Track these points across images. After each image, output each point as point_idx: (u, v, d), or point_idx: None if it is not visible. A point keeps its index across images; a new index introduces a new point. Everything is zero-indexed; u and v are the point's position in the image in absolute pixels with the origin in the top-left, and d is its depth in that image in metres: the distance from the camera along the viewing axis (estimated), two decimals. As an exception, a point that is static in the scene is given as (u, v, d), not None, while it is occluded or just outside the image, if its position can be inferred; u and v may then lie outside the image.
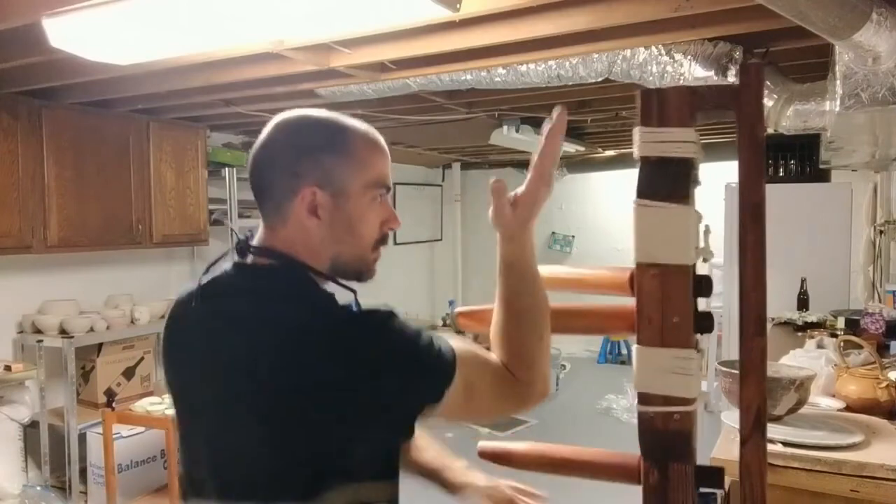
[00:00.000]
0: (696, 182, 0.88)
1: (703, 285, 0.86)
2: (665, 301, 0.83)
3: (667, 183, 0.84)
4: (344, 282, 1.03)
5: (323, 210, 1.00)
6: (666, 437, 0.84)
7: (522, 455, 1.03)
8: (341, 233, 1.02)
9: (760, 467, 0.82)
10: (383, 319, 0.94)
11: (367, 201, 1.02)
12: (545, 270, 1.06)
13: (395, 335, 0.94)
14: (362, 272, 1.05)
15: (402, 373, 0.92)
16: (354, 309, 0.95)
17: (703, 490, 0.88)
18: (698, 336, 0.89)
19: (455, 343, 0.98)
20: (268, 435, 0.93)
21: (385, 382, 0.91)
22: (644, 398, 0.84)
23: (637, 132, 0.86)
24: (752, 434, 0.82)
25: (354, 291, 1.00)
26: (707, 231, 0.89)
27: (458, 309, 1.07)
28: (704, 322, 0.86)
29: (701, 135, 0.90)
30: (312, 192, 1.00)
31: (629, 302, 0.89)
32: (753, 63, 0.76)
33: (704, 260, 0.89)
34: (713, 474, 0.88)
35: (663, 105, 0.85)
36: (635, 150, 0.87)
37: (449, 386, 0.93)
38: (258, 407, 0.93)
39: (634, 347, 0.85)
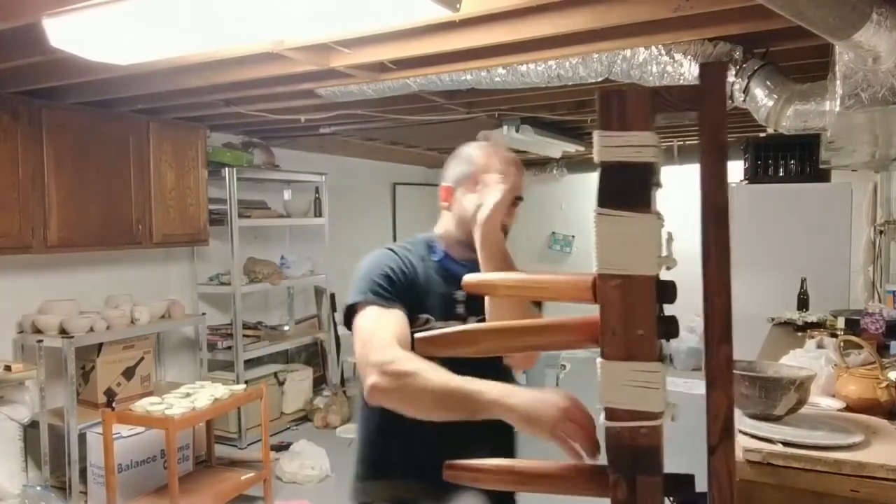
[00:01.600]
0: (657, 186, 0.86)
1: (668, 291, 0.84)
2: (628, 313, 0.81)
3: (627, 190, 0.81)
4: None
5: (451, 200, 1.53)
6: (634, 451, 0.83)
7: (493, 471, 1.01)
8: (458, 217, 1.51)
9: (730, 475, 0.81)
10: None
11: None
12: (501, 278, 1.07)
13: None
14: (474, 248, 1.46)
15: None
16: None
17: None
18: (663, 343, 0.87)
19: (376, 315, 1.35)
20: None
21: None
22: (610, 413, 0.83)
23: (596, 136, 0.84)
24: (722, 442, 0.81)
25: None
26: (670, 238, 0.87)
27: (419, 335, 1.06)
28: (670, 327, 0.85)
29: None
30: (445, 189, 1.53)
31: (593, 311, 0.87)
32: (715, 63, 0.74)
33: (668, 268, 0.87)
34: (683, 482, 0.87)
35: (623, 107, 0.82)
36: (595, 156, 0.85)
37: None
38: None
39: (598, 361, 0.84)
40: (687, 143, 5.49)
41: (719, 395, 0.81)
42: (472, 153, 1.52)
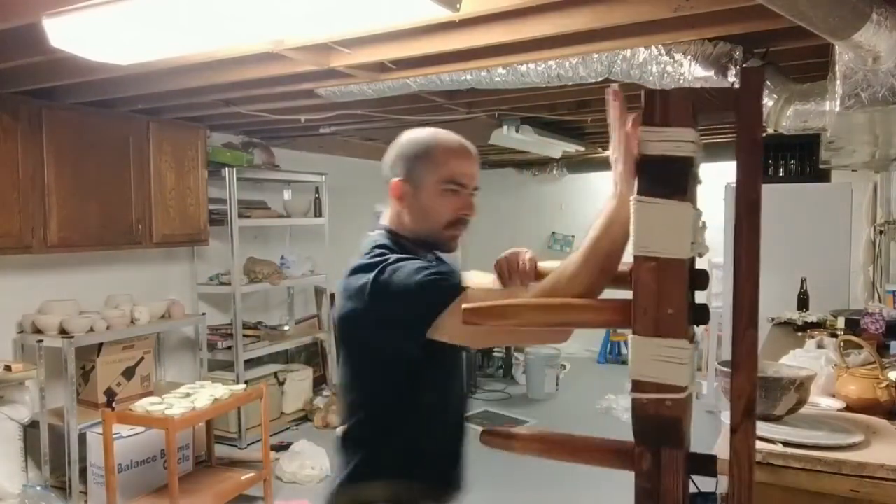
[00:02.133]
0: (696, 180, 0.91)
1: (700, 279, 0.90)
2: (661, 293, 0.86)
3: (666, 180, 0.87)
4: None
5: (405, 196, 1.42)
6: (658, 422, 0.87)
7: (525, 438, 1.09)
8: (417, 213, 1.42)
9: (749, 455, 0.85)
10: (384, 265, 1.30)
11: (439, 192, 1.39)
12: (550, 264, 1.15)
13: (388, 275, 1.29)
14: (440, 244, 1.45)
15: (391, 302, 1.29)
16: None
17: (704, 491, 0.89)
18: (695, 329, 0.92)
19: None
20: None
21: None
22: (637, 385, 0.88)
23: (640, 131, 0.90)
24: (743, 422, 0.85)
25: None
26: (703, 227, 0.91)
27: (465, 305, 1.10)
28: (701, 314, 0.90)
29: (701, 136, 0.92)
30: (398, 183, 1.42)
31: (627, 296, 0.92)
32: (755, 68, 0.80)
33: (699, 255, 0.91)
34: (706, 461, 0.91)
35: (666, 105, 0.88)
36: (639, 148, 0.90)
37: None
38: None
39: (630, 337, 0.88)
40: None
41: (743, 379, 0.85)
42: (423, 143, 1.43)
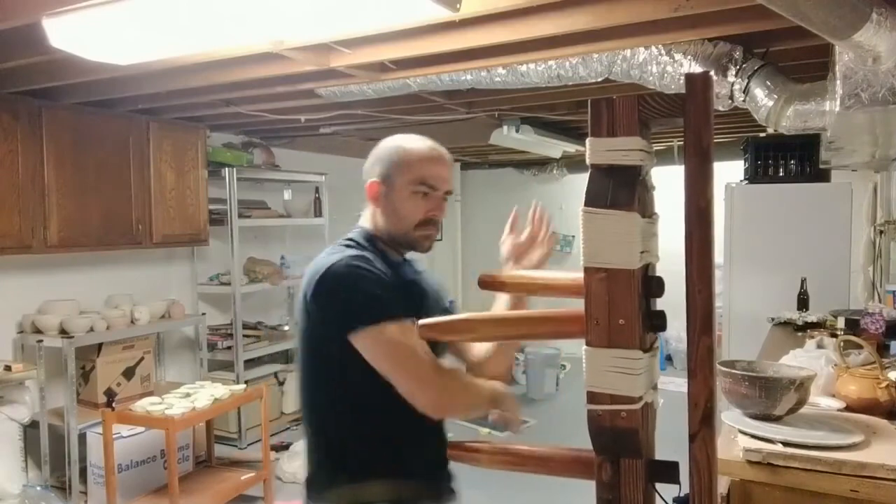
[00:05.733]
0: (647, 188, 0.91)
1: (655, 286, 0.90)
2: (611, 303, 0.87)
3: (611, 191, 0.87)
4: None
5: (379, 197, 1.48)
6: (614, 433, 0.87)
7: (490, 451, 1.09)
8: (390, 213, 1.48)
9: (709, 461, 0.85)
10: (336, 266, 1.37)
11: (409, 194, 1.45)
12: (513, 276, 1.17)
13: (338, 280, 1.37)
14: (412, 244, 1.50)
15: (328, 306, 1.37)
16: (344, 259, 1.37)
17: (677, 496, 0.90)
18: (655, 336, 0.92)
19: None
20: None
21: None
22: (592, 397, 0.88)
23: (587, 142, 0.90)
24: (701, 429, 0.85)
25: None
26: (654, 235, 0.92)
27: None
28: (656, 321, 0.90)
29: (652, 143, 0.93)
30: (373, 185, 1.48)
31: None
32: (700, 73, 0.79)
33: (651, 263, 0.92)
34: (668, 468, 0.91)
35: (612, 115, 0.88)
36: (586, 160, 0.91)
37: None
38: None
39: (583, 348, 0.89)
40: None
41: (699, 385, 0.85)
42: (398, 148, 1.49)
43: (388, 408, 1.34)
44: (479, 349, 1.57)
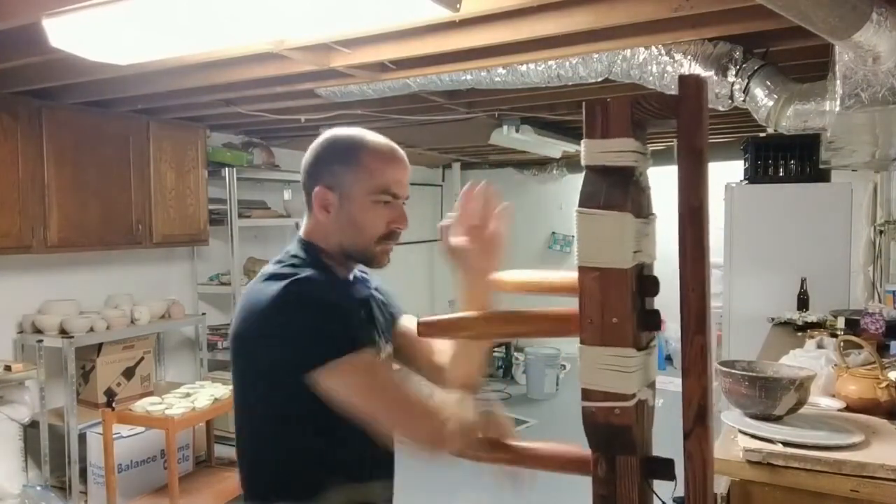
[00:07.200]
0: (642, 188, 0.92)
1: (649, 284, 0.91)
2: (605, 302, 0.88)
3: (604, 191, 0.88)
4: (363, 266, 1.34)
5: (331, 207, 1.25)
6: (608, 430, 0.89)
7: (492, 448, 1.11)
8: (345, 226, 1.26)
9: (704, 458, 0.86)
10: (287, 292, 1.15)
11: (370, 204, 1.24)
12: (512, 275, 1.16)
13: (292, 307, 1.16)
14: (369, 260, 1.30)
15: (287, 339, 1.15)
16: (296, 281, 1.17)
17: (676, 496, 0.91)
18: (652, 335, 0.93)
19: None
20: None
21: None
22: (586, 394, 0.89)
23: (582, 144, 0.92)
24: (695, 427, 0.86)
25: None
26: (650, 235, 0.92)
27: (421, 319, 1.12)
28: (650, 320, 0.92)
29: (647, 144, 0.94)
30: (324, 192, 1.25)
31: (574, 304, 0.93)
32: (693, 75, 0.81)
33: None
34: (664, 465, 0.92)
35: (606, 117, 0.89)
36: (581, 161, 0.92)
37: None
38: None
39: (578, 346, 0.90)
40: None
41: (693, 383, 0.86)
42: (350, 148, 1.27)
43: (340, 467, 1.21)
44: (443, 356, 1.31)
